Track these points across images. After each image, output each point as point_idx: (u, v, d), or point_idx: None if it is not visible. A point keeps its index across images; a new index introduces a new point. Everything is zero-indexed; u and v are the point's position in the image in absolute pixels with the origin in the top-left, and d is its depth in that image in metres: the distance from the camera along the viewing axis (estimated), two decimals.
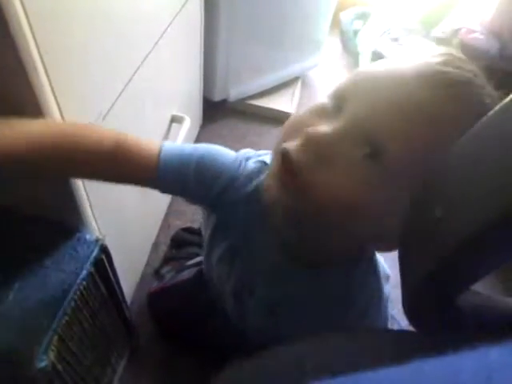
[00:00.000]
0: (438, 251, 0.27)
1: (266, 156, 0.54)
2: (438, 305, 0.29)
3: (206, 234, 0.61)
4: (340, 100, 0.41)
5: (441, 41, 1.09)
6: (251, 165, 0.52)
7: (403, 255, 0.31)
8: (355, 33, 1.85)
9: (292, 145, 0.40)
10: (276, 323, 0.56)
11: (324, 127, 0.39)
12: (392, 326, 0.81)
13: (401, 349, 0.29)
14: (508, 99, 0.27)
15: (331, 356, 0.28)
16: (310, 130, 0.39)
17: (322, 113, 0.42)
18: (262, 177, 0.50)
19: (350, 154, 0.38)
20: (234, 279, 0.57)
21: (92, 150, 0.48)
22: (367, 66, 0.47)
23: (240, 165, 0.52)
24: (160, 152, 0.50)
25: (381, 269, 0.53)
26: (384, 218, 0.40)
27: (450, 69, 0.39)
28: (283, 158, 0.40)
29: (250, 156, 0.54)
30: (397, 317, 0.81)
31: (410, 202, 0.32)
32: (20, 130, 0.44)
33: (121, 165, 0.49)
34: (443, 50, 0.42)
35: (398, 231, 0.35)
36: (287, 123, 0.45)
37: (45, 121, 0.45)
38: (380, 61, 0.45)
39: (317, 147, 0.39)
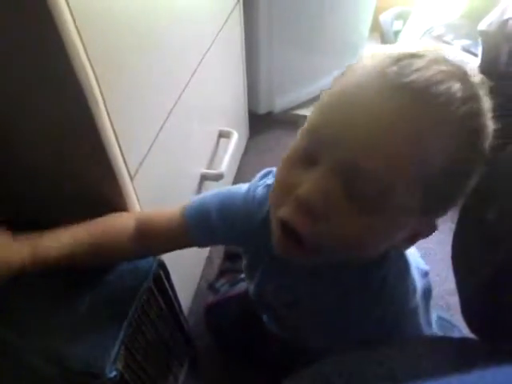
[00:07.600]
0: (494, 255, 0.26)
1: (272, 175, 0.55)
2: (497, 311, 0.29)
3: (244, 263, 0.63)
4: (315, 146, 0.39)
5: (487, 34, 1.05)
6: (259, 193, 0.54)
7: (457, 262, 0.31)
8: (396, 34, 1.81)
9: (286, 212, 0.39)
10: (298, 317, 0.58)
11: (310, 184, 0.37)
12: (452, 333, 0.78)
13: (462, 357, 0.29)
14: None
15: (393, 365, 0.28)
16: (300, 193, 0.38)
17: (302, 162, 0.40)
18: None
19: (346, 206, 0.37)
20: (276, 294, 0.58)
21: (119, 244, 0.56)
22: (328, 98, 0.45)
23: (252, 197, 0.54)
24: (184, 214, 0.55)
25: (414, 267, 0.49)
26: (397, 233, 0.40)
27: (405, 76, 0.35)
28: (283, 229, 0.40)
29: (258, 184, 0.55)
30: (458, 323, 0.78)
31: (460, 210, 0.31)
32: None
33: (148, 241, 0.57)
34: (400, 49, 0.38)
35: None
36: (275, 186, 0.44)
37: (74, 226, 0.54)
38: (337, 85, 0.45)
39: (312, 209, 0.37)
